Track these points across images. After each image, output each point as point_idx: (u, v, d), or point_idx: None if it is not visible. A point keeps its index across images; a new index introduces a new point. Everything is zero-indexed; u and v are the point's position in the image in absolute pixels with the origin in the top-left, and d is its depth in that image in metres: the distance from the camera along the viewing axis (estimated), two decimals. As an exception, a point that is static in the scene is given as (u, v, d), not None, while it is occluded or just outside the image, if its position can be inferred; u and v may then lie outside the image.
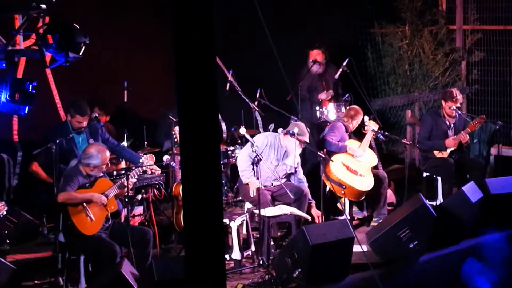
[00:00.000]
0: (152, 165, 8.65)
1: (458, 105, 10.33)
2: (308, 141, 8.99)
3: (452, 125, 10.41)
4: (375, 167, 10.04)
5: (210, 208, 3.79)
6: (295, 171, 9.14)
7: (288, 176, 9.14)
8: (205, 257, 3.80)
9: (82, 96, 9.53)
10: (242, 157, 8.92)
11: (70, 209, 7.62)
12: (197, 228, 3.79)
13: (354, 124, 9.93)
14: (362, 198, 9.66)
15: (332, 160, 9.34)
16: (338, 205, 9.76)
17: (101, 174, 7.97)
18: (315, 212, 8.88)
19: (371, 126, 9.83)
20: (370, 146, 9.94)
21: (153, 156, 8.61)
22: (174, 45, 3.73)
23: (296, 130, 8.88)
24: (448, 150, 10.24)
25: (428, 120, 10.66)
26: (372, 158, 9.72)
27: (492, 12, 12.90)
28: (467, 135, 10.19)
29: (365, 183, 9.43)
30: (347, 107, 10.36)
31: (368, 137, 9.78)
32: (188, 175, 3.81)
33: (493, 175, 11.34)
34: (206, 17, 3.70)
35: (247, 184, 8.75)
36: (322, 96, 11.08)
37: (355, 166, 9.54)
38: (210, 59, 3.74)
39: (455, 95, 10.30)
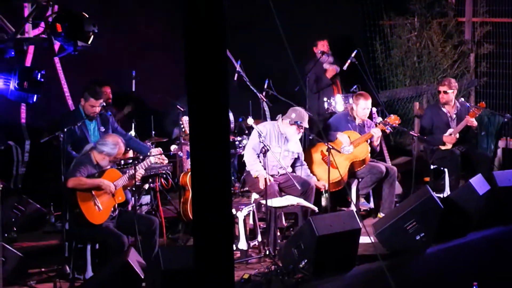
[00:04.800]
0: (158, 154, 8.65)
1: (445, 88, 10.32)
2: (307, 126, 8.98)
3: (454, 116, 10.41)
4: (382, 160, 10.03)
5: (219, 198, 3.80)
6: (298, 156, 9.13)
7: (293, 165, 9.13)
8: (214, 247, 3.81)
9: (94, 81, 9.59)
10: (247, 151, 8.93)
11: (79, 197, 7.62)
12: (205, 218, 3.80)
13: (356, 109, 9.76)
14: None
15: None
16: (348, 197, 9.75)
17: (109, 166, 7.97)
18: (318, 183, 8.88)
19: (377, 131, 9.67)
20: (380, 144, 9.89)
21: (161, 149, 8.62)
22: (185, 35, 3.73)
23: (293, 116, 8.89)
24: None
25: (427, 113, 10.69)
26: (360, 152, 9.55)
27: (502, 5, 12.87)
28: (473, 121, 10.17)
29: (332, 175, 8.91)
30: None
31: (367, 136, 9.65)
32: (197, 165, 3.81)
33: (500, 168, 11.34)
34: (216, 8, 3.70)
35: (257, 177, 8.74)
36: (326, 66, 11.15)
37: (333, 157, 9.27)
38: (221, 49, 3.74)
39: (447, 81, 10.48)
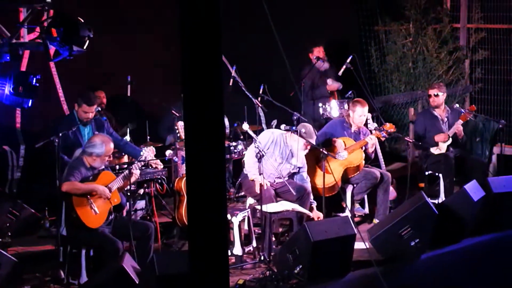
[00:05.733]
0: (155, 159, 8.64)
1: (435, 92, 10.44)
2: (314, 143, 8.93)
3: (445, 119, 10.48)
4: (377, 166, 10.04)
5: (214, 204, 3.80)
6: (299, 170, 9.11)
7: (291, 175, 9.11)
8: (208, 252, 3.81)
9: (87, 87, 9.60)
10: (250, 153, 8.89)
11: (75, 201, 7.61)
12: (200, 223, 3.80)
13: (353, 116, 9.77)
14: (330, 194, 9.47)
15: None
16: (343, 203, 9.74)
17: (103, 167, 7.96)
18: (316, 213, 8.85)
19: (373, 138, 9.66)
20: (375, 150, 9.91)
21: (153, 148, 8.60)
22: (181, 41, 3.73)
23: (302, 131, 8.85)
24: (445, 145, 10.27)
25: (419, 119, 10.78)
26: (354, 158, 9.54)
27: (497, 11, 12.92)
28: (461, 125, 10.23)
29: (326, 180, 8.88)
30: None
31: (362, 143, 9.65)
32: (192, 170, 3.81)
33: (495, 174, 11.36)
34: (212, 14, 3.70)
35: (253, 180, 8.72)
36: (329, 82, 11.16)
37: (328, 162, 9.26)
38: (216, 54, 3.74)
39: (437, 84, 10.67)
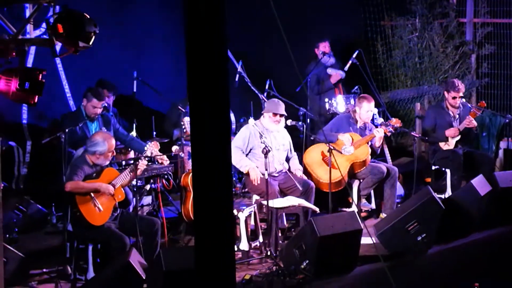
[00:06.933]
0: (161, 154, 8.64)
1: (461, 94, 10.32)
2: (284, 113, 8.97)
3: (457, 116, 10.42)
4: (384, 161, 10.03)
5: (220, 199, 3.80)
6: (290, 148, 9.16)
7: (287, 159, 9.15)
8: (215, 247, 3.81)
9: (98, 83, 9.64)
10: (232, 151, 8.87)
11: (78, 199, 7.62)
12: (207, 218, 3.80)
13: (360, 112, 9.78)
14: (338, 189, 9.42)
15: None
16: (349, 198, 9.73)
17: (107, 163, 7.96)
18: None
19: (380, 131, 9.64)
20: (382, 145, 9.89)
21: (158, 143, 8.60)
22: (186, 36, 3.73)
23: (267, 106, 8.98)
24: (453, 141, 10.23)
25: (431, 113, 10.66)
26: (361, 153, 9.52)
27: (503, 6, 12.89)
28: (472, 121, 10.17)
29: (332, 175, 8.89)
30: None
31: (369, 138, 9.65)
32: (198, 165, 3.81)
33: (502, 169, 11.33)
34: (217, 9, 3.70)
35: (248, 173, 8.73)
36: (329, 71, 11.15)
37: (334, 157, 9.27)
38: (222, 50, 3.74)
39: (457, 85, 10.34)
